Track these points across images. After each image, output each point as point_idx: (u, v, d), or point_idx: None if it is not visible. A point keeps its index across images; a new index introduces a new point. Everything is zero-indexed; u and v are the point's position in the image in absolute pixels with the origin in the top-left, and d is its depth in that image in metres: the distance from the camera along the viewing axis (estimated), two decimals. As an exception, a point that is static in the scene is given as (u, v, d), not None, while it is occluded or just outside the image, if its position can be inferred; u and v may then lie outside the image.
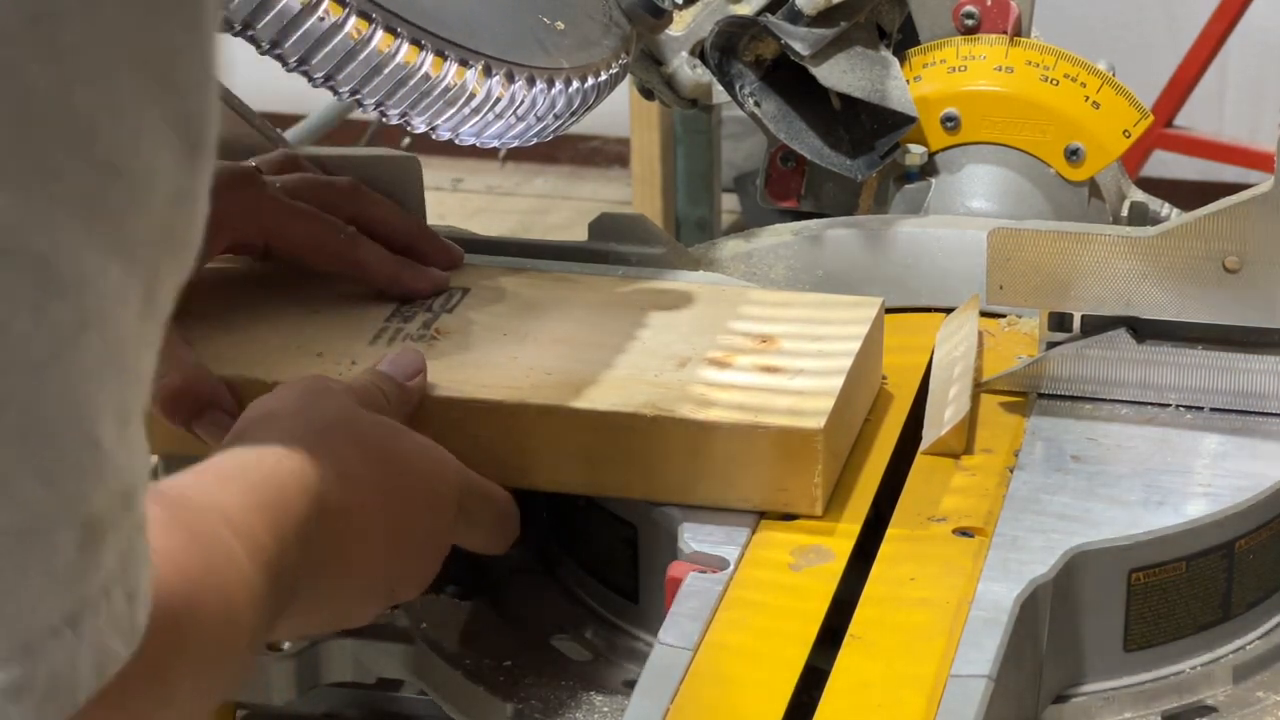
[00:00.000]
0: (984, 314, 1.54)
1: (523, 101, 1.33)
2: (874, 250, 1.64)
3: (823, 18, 1.67)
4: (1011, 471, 1.35)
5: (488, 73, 1.30)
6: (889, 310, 1.53)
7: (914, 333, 1.56)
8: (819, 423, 1.30)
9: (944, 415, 1.40)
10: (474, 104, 1.32)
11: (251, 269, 1.47)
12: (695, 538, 1.29)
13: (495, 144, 1.36)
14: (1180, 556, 1.28)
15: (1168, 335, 1.43)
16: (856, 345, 1.39)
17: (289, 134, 1.54)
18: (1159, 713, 1.28)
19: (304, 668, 1.39)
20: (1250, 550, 1.31)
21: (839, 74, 1.67)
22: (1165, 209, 1.85)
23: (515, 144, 1.35)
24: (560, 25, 1.34)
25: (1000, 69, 1.74)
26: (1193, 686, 1.30)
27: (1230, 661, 1.31)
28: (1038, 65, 1.74)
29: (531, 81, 1.33)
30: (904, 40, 1.78)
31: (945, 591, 1.23)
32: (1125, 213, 1.83)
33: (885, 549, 1.29)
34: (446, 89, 1.31)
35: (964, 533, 1.29)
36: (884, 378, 1.47)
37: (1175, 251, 1.39)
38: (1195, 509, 1.30)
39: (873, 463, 1.38)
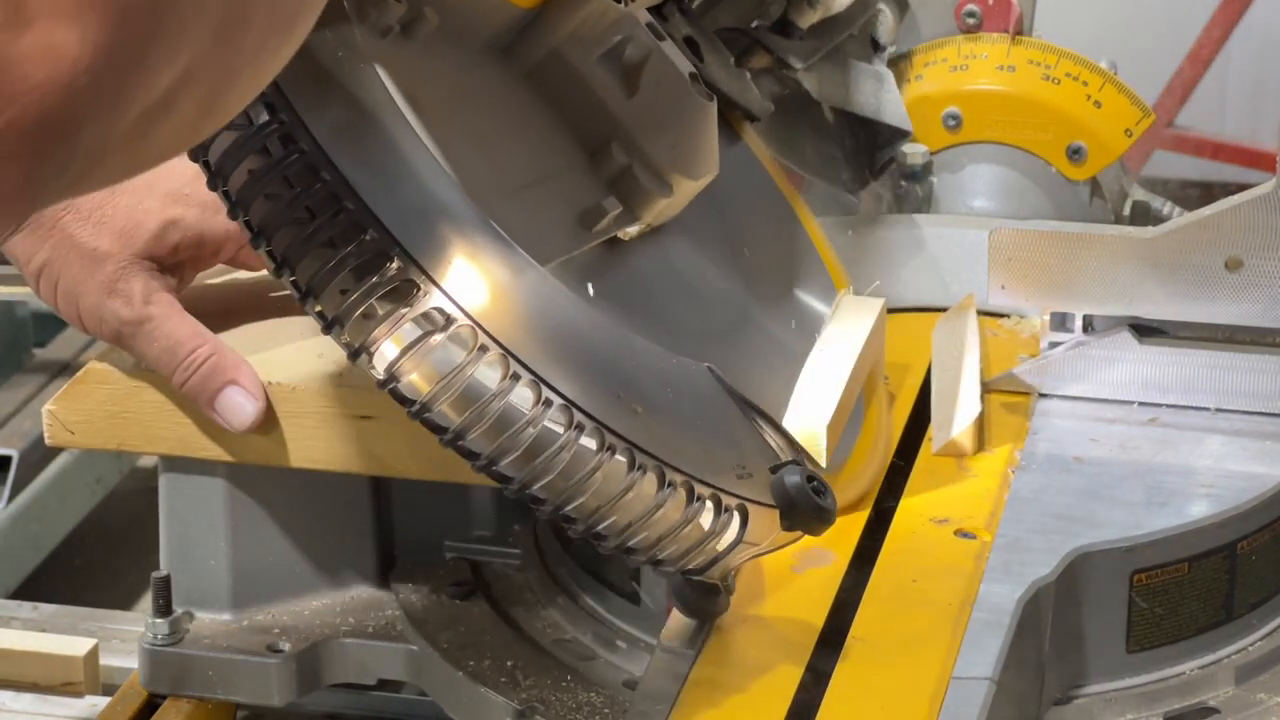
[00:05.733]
0: (984, 313, 1.53)
1: (573, 450, 1.11)
2: (874, 250, 1.64)
3: (816, 30, 1.61)
4: (1013, 472, 1.35)
5: (536, 390, 1.11)
6: (889, 310, 1.53)
7: (914, 333, 1.56)
8: (822, 423, 1.29)
9: (952, 416, 1.39)
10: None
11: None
12: (696, 539, 1.29)
13: (545, 506, 1.13)
14: (1182, 558, 1.28)
15: (1170, 335, 1.43)
16: (859, 346, 1.38)
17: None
18: (1161, 714, 1.28)
19: (305, 669, 1.39)
20: (1252, 551, 1.31)
21: (832, 87, 1.65)
22: (1167, 207, 1.84)
23: (576, 524, 1.14)
24: (638, 409, 1.14)
25: (1002, 68, 1.74)
26: (1195, 688, 1.29)
27: (1232, 663, 1.31)
28: (1039, 64, 1.73)
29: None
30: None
31: (947, 593, 1.23)
32: (1127, 211, 1.83)
33: (887, 550, 1.29)
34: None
35: (966, 534, 1.29)
36: (886, 378, 1.46)
37: (1177, 251, 1.39)
38: (1197, 510, 1.30)
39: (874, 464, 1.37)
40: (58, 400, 1.39)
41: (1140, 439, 1.39)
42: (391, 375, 1.10)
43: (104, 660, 1.54)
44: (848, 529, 1.31)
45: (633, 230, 1.27)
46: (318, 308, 1.11)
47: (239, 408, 1.33)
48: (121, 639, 1.63)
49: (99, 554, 3.17)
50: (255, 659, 1.38)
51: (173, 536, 1.43)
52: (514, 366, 1.09)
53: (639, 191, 1.26)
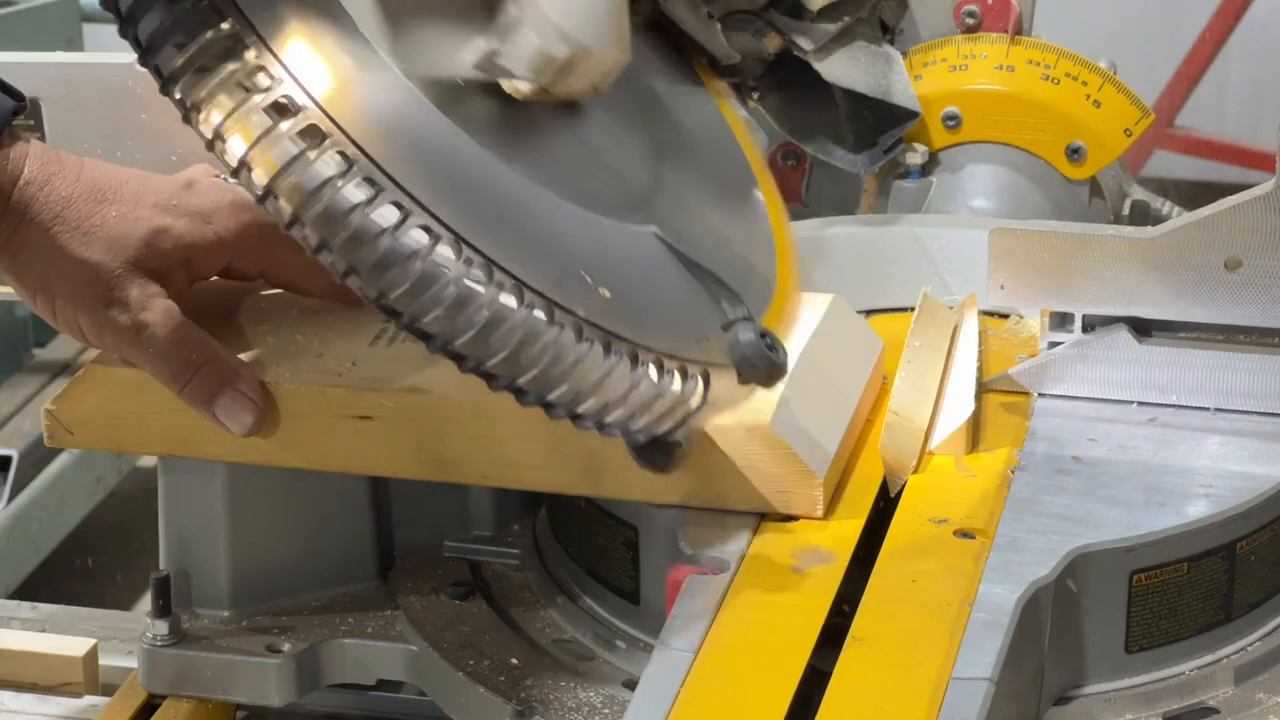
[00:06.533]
0: (984, 313, 1.53)
1: (555, 344, 1.17)
2: (874, 250, 1.64)
3: (826, 13, 1.67)
4: (1012, 472, 1.35)
5: (519, 297, 1.16)
6: (889, 310, 1.53)
7: (915, 333, 1.56)
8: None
9: (948, 415, 1.39)
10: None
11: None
12: (696, 539, 1.29)
13: (530, 399, 1.19)
14: (1181, 558, 1.28)
15: (1169, 335, 1.43)
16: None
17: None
18: (1160, 714, 1.28)
19: (304, 669, 1.39)
20: (1252, 551, 1.31)
21: (842, 69, 1.67)
22: (1166, 207, 1.85)
23: (560, 413, 1.20)
24: (605, 292, 1.20)
25: (1001, 68, 1.74)
26: (1194, 688, 1.29)
27: (1231, 663, 1.31)
28: (1039, 64, 1.73)
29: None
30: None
31: (946, 593, 1.23)
32: (1127, 211, 1.83)
33: (886, 550, 1.29)
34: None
35: (965, 534, 1.29)
36: (884, 377, 1.46)
37: (1176, 251, 1.39)
38: (1196, 510, 1.30)
39: (873, 464, 1.37)
40: (57, 400, 1.40)
41: (1139, 439, 1.39)
42: (242, 164, 1.14)
43: (103, 660, 1.54)
44: (847, 529, 1.31)
45: (524, 88, 1.27)
46: (177, 95, 1.15)
47: (239, 412, 1.34)
48: (121, 639, 1.63)
49: (99, 554, 3.17)
50: (255, 659, 1.38)
51: (172, 536, 1.43)
52: (354, 154, 1.13)
53: (528, 45, 1.26)
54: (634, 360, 1.18)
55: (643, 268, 1.24)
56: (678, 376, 1.20)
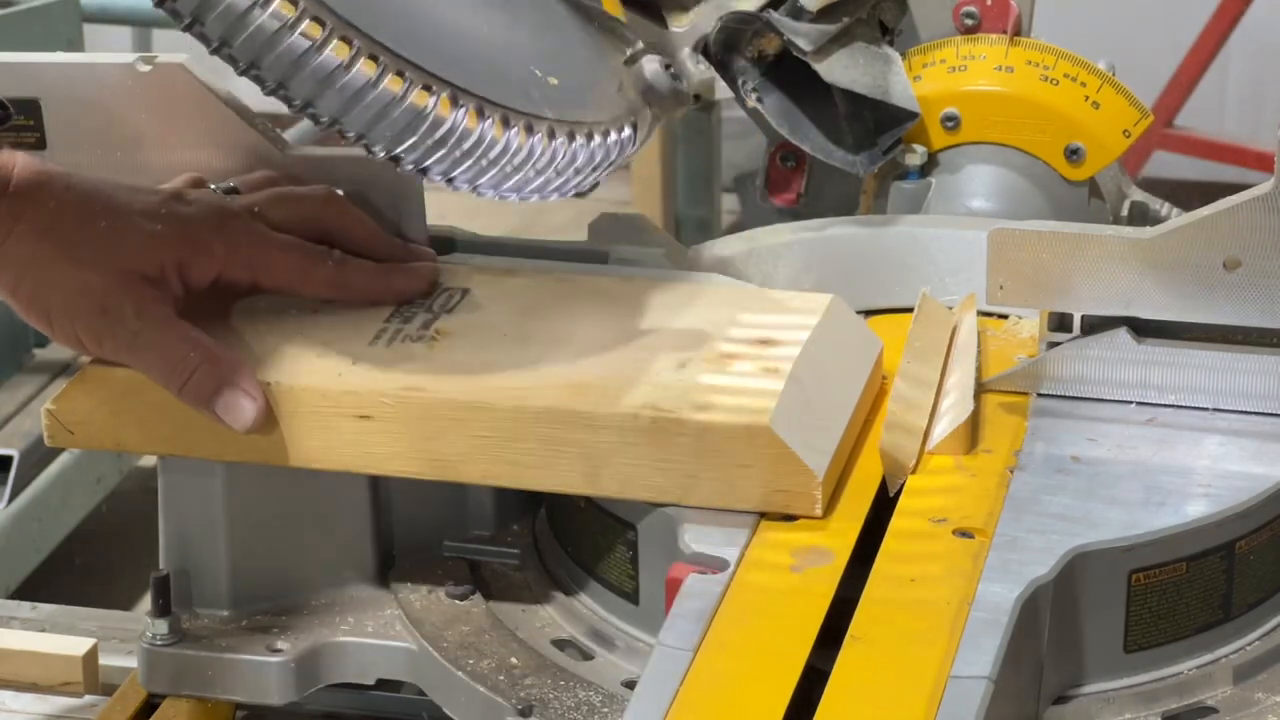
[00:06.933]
0: (984, 313, 1.53)
1: (539, 154, 1.26)
2: (874, 250, 1.64)
3: (825, 13, 1.67)
4: (1011, 472, 1.35)
5: (506, 123, 1.24)
6: (888, 310, 1.53)
7: (914, 333, 1.55)
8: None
9: (947, 415, 1.40)
10: (491, 153, 1.26)
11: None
12: (695, 539, 1.29)
13: (512, 197, 1.30)
14: (1180, 557, 1.28)
15: (1168, 335, 1.43)
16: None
17: (290, 134, 1.53)
18: (1159, 713, 1.28)
19: (303, 669, 1.39)
20: (1251, 551, 1.31)
21: (841, 70, 1.67)
22: (1165, 209, 1.85)
23: (533, 198, 1.32)
24: (554, 80, 1.26)
25: (1000, 69, 1.74)
26: (1193, 687, 1.30)
27: (1230, 662, 1.31)
28: (1038, 65, 1.73)
29: (550, 134, 1.27)
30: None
31: (945, 592, 1.23)
32: (1125, 212, 1.83)
33: (885, 550, 1.29)
34: (461, 137, 1.25)
35: (964, 533, 1.29)
36: (884, 377, 1.47)
37: (1175, 252, 1.39)
38: (1195, 510, 1.30)
39: (872, 463, 1.37)
40: (57, 400, 1.40)
41: (1138, 439, 1.39)
42: None
43: (103, 660, 1.54)
44: (846, 528, 1.31)
45: None
46: None
47: (239, 408, 1.34)
48: (121, 639, 1.63)
49: (99, 554, 3.17)
50: (254, 658, 1.38)
51: (172, 536, 1.43)
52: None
53: None
54: (588, 138, 1.26)
55: (559, 31, 1.29)
56: (614, 133, 1.29)
